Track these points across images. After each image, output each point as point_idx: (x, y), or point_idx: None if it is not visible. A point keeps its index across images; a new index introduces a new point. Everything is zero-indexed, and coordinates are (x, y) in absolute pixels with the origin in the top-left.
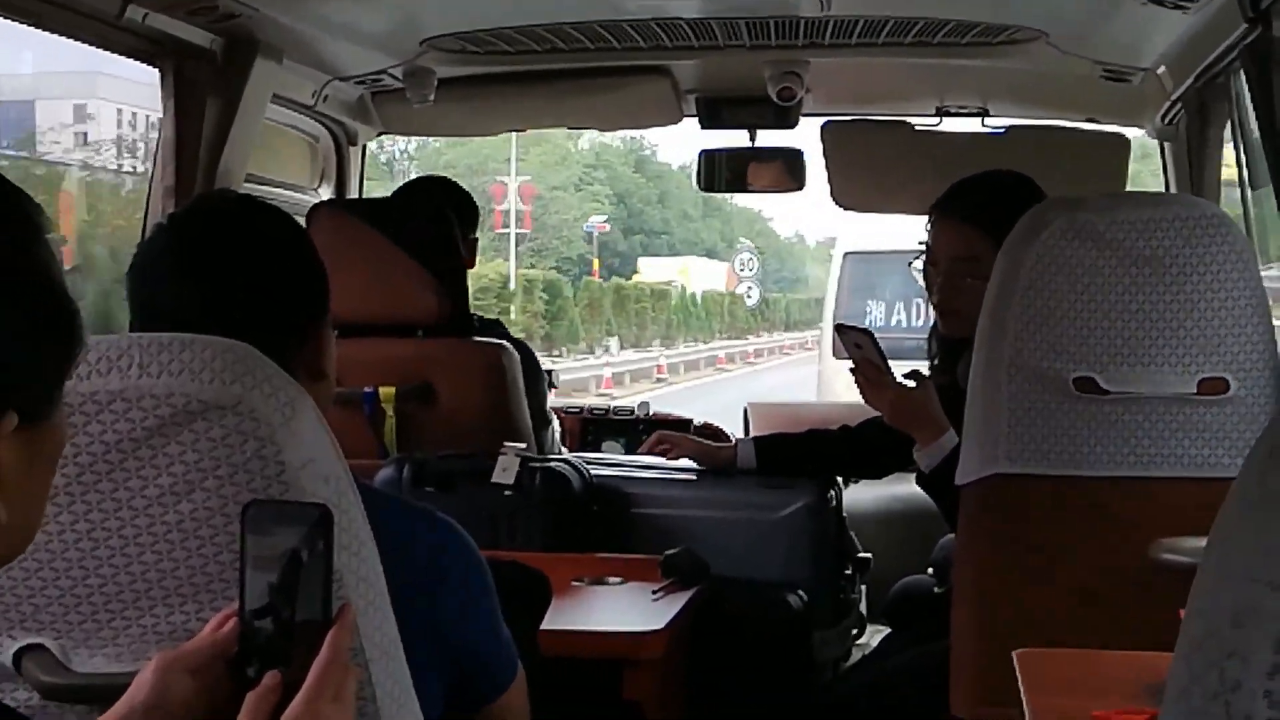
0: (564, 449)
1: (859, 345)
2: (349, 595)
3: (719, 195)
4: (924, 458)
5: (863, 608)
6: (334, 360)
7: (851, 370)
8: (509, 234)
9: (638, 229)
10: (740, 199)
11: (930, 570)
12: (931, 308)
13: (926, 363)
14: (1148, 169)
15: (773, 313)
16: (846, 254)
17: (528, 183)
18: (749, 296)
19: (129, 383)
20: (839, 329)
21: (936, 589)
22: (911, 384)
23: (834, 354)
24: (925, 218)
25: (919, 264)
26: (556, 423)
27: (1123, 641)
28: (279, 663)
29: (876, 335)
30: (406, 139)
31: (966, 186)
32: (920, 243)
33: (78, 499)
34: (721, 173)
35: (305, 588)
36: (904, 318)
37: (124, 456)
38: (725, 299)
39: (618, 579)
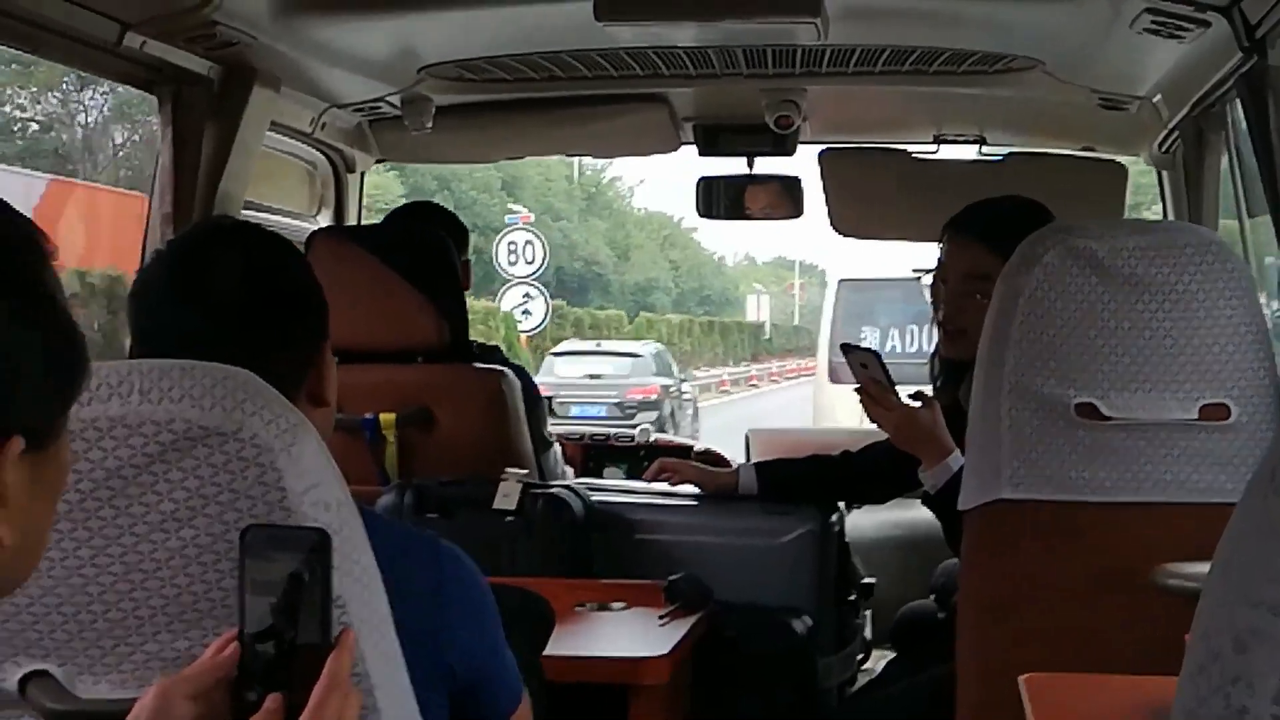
0: (569, 471)
1: (865, 365)
2: (352, 620)
3: (602, 186)
4: (929, 478)
5: (867, 633)
6: (335, 386)
7: (856, 390)
8: None
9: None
10: (646, 197)
11: (932, 595)
12: (935, 329)
13: (926, 386)
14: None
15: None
16: (841, 281)
17: None
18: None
19: (130, 409)
20: (845, 348)
21: (940, 614)
22: (917, 404)
23: (830, 379)
24: (912, 245)
25: (928, 280)
26: (559, 448)
27: (1128, 666)
28: (280, 687)
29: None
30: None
31: (982, 207)
32: (914, 270)
33: (80, 525)
34: (720, 200)
35: (305, 611)
36: (899, 344)
37: (125, 483)
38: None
39: (621, 604)
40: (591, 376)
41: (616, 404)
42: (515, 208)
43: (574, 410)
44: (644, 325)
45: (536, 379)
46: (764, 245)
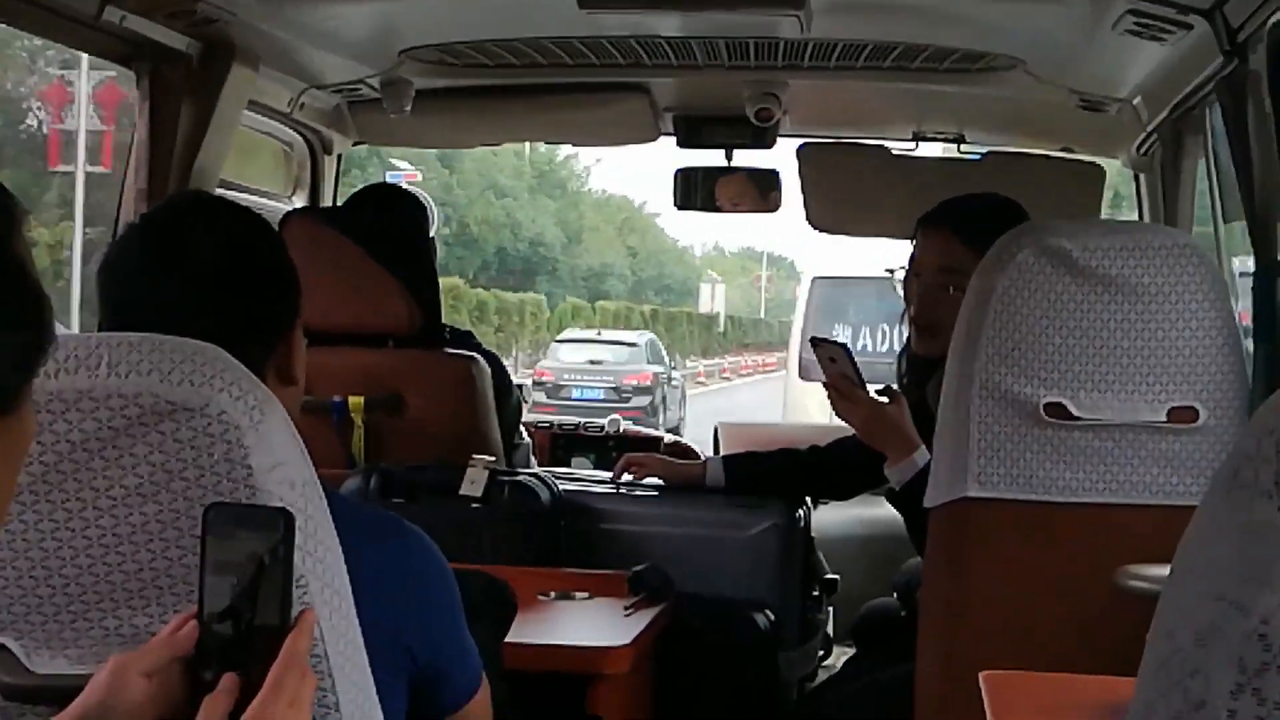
0: (534, 461)
1: (833, 359)
2: (313, 601)
3: (555, 165)
4: (895, 474)
5: (829, 629)
6: (304, 366)
7: (825, 384)
8: (71, 176)
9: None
10: (605, 179)
11: (895, 593)
12: (906, 326)
13: (894, 384)
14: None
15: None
16: (815, 279)
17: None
18: None
19: (97, 381)
20: (814, 342)
21: (902, 612)
22: (885, 400)
23: (800, 376)
24: (883, 241)
25: (900, 274)
26: (529, 443)
27: (1089, 666)
28: (237, 666)
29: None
30: None
31: (957, 202)
32: (888, 270)
33: (42, 498)
34: (698, 192)
35: (265, 592)
36: (870, 342)
37: (90, 456)
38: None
39: (584, 594)
40: (592, 362)
41: (614, 388)
42: (399, 164)
43: (575, 393)
44: (567, 312)
45: (542, 363)
46: (732, 235)
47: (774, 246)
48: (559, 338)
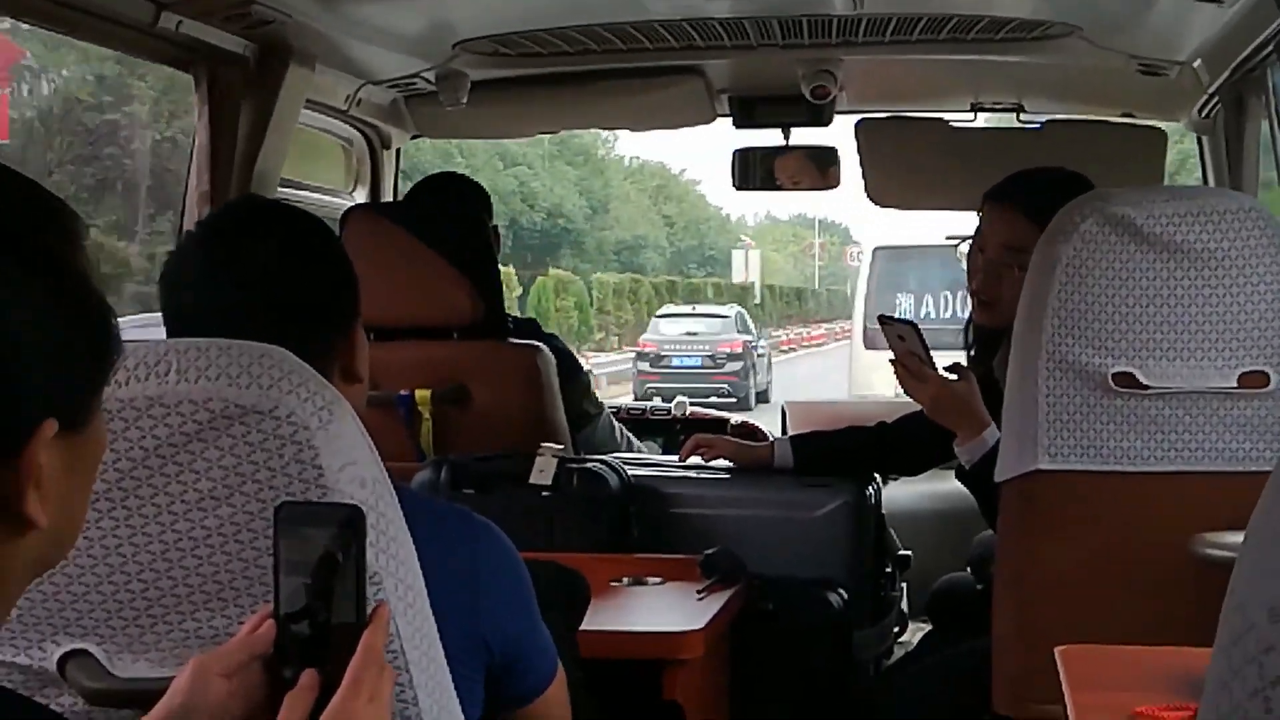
0: (617, 428)
1: (902, 337)
2: (388, 597)
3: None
4: (965, 453)
5: (903, 605)
6: (367, 363)
7: (892, 362)
8: None
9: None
10: (636, 144)
11: (969, 568)
12: (969, 297)
13: (960, 354)
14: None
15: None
16: (876, 249)
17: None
18: None
19: (167, 388)
20: (882, 320)
21: (978, 586)
22: (954, 377)
23: (865, 345)
24: (947, 214)
25: (964, 248)
26: (609, 415)
27: (1165, 637)
28: (315, 663)
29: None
30: None
31: (1024, 177)
32: (949, 238)
33: (118, 504)
34: (756, 171)
35: (340, 591)
36: (933, 310)
37: (163, 461)
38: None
39: (657, 579)
40: (689, 334)
41: (709, 356)
42: None
43: (675, 361)
44: (545, 288)
45: (644, 336)
46: (783, 203)
47: (827, 213)
48: (659, 313)
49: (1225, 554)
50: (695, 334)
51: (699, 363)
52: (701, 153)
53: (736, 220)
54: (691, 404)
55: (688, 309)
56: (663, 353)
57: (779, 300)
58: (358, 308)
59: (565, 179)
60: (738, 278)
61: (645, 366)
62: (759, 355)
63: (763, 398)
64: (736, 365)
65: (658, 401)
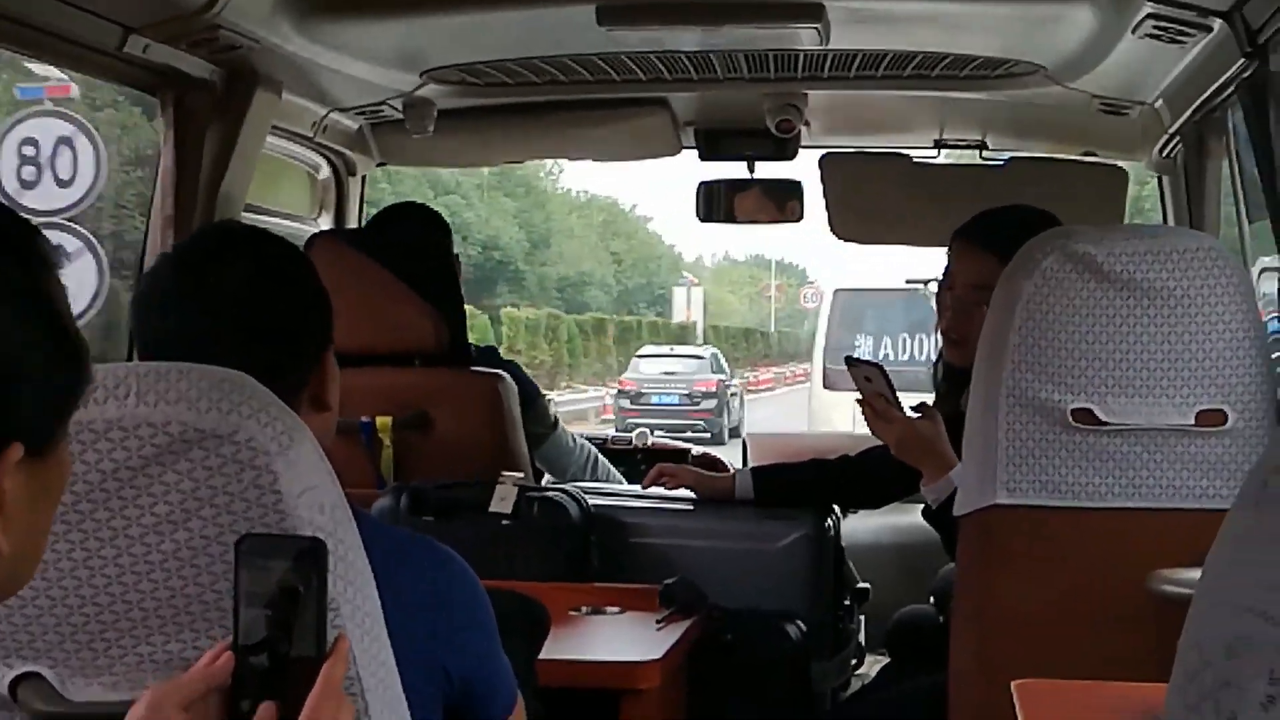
0: (584, 443)
1: (869, 379)
2: (346, 625)
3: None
4: (931, 492)
5: (861, 638)
6: (338, 391)
7: (859, 402)
8: None
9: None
10: (581, 178)
11: (931, 599)
12: (939, 336)
13: (922, 393)
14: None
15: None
16: (837, 291)
17: None
18: None
19: (126, 411)
20: (849, 361)
21: (940, 618)
22: (919, 417)
23: (824, 385)
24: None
25: (933, 287)
26: (564, 429)
27: (1123, 673)
28: (273, 696)
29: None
30: None
31: (993, 216)
32: (909, 281)
33: (74, 527)
34: (720, 204)
35: (300, 621)
36: (891, 352)
37: (120, 485)
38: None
39: (616, 608)
40: (667, 373)
41: (687, 394)
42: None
43: (655, 399)
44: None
45: (625, 375)
46: (741, 243)
47: (784, 254)
48: (639, 353)
49: (1182, 590)
50: (673, 373)
51: (677, 400)
52: (653, 187)
53: (694, 260)
54: (668, 437)
55: (666, 349)
56: (643, 390)
57: (724, 342)
58: (330, 336)
59: (503, 211)
60: (678, 316)
61: (626, 403)
62: (731, 394)
63: (735, 434)
64: (711, 403)
65: (616, 432)
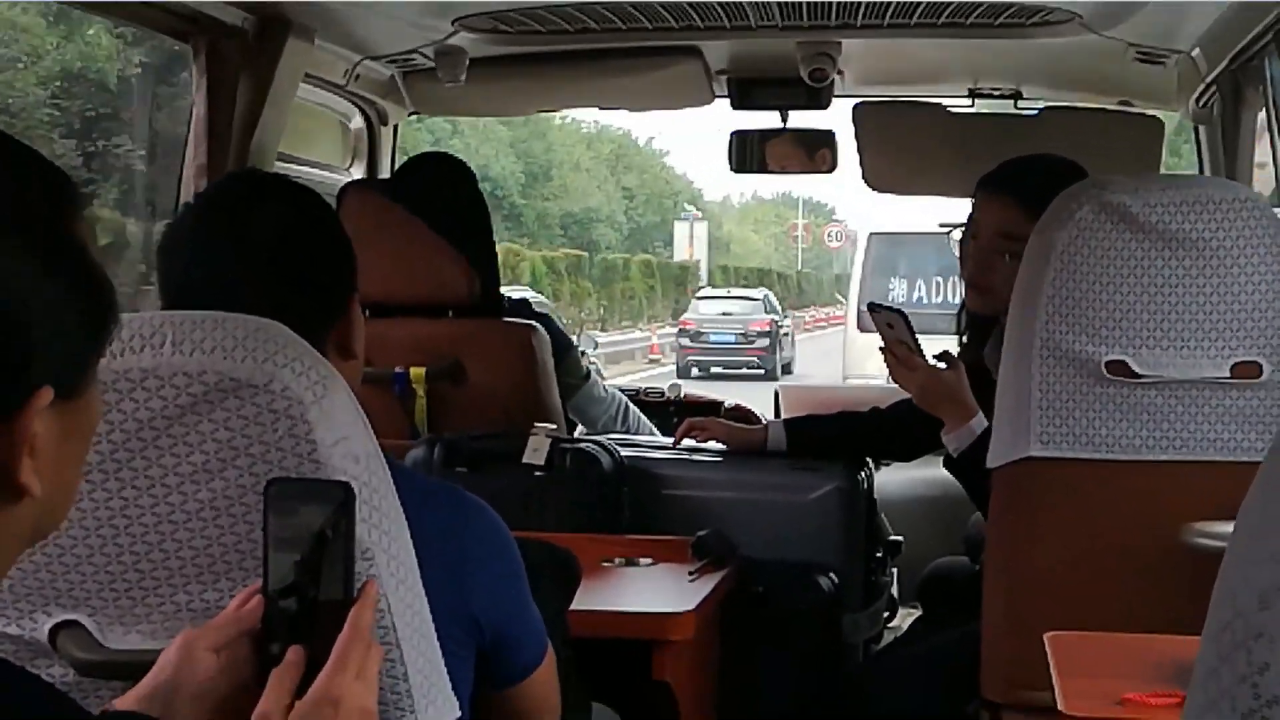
0: (617, 394)
1: (890, 325)
2: (379, 573)
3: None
4: (952, 440)
5: (894, 591)
6: (363, 339)
7: (881, 349)
8: None
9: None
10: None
11: (965, 550)
12: (962, 282)
13: (951, 338)
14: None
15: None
16: (871, 235)
17: None
18: None
19: (162, 360)
20: (871, 307)
21: (975, 567)
22: (942, 365)
23: (859, 327)
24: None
25: (957, 235)
26: (597, 379)
27: (1154, 625)
28: (303, 640)
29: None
30: None
31: (1018, 165)
32: (941, 225)
33: (111, 476)
34: (754, 153)
35: (328, 566)
36: (924, 294)
37: (157, 434)
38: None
39: (648, 560)
40: (724, 314)
41: (742, 333)
42: None
43: (713, 337)
44: None
45: (686, 315)
46: (766, 182)
47: (813, 194)
48: (698, 295)
49: (1216, 544)
50: (730, 314)
51: (733, 339)
52: (671, 118)
53: (722, 199)
54: (726, 373)
55: (723, 292)
56: (702, 329)
57: (735, 283)
58: (355, 283)
59: (495, 139)
60: (680, 254)
61: (686, 341)
62: (784, 334)
63: (787, 370)
64: (764, 342)
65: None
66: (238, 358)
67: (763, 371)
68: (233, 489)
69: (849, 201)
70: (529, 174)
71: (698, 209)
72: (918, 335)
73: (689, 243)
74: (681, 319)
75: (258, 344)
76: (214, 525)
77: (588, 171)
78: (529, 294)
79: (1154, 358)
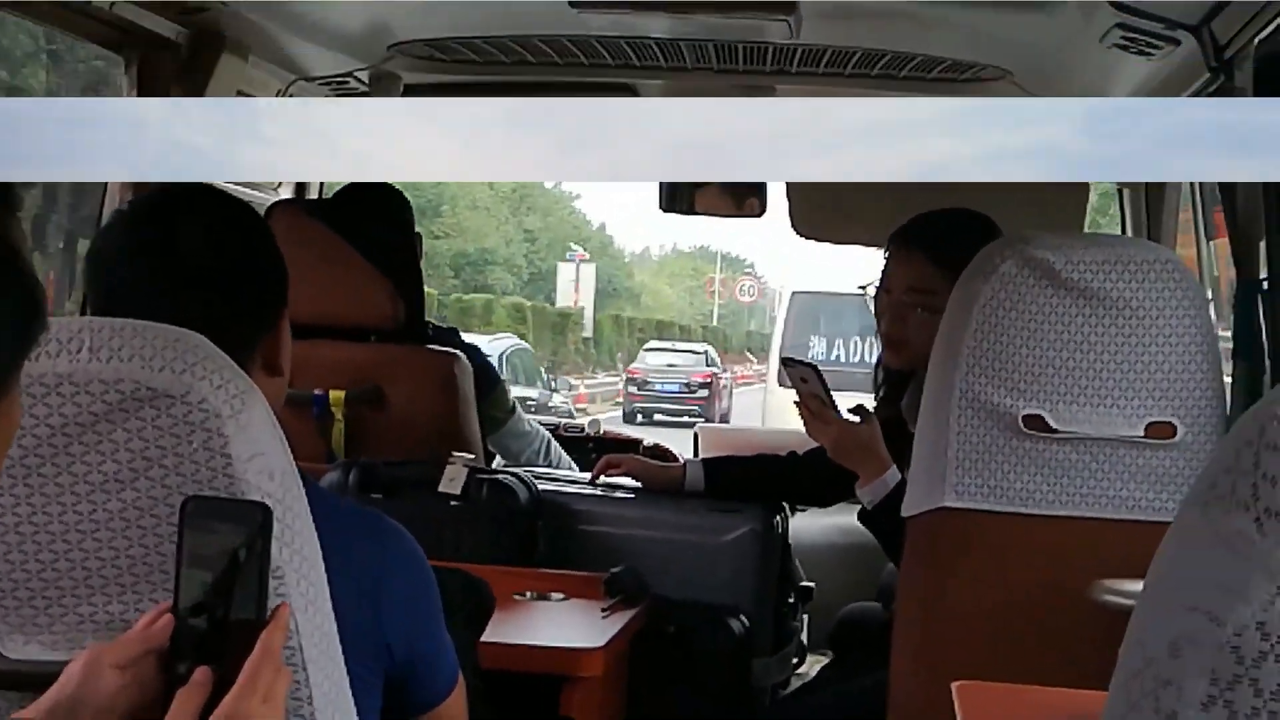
0: (540, 429)
1: (804, 380)
2: (289, 593)
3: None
4: (867, 494)
5: (804, 636)
6: (290, 356)
7: (796, 403)
8: None
9: None
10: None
11: (878, 596)
12: (878, 338)
13: (869, 395)
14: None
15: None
16: (794, 293)
17: None
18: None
19: (78, 366)
20: (785, 362)
21: (888, 613)
22: (856, 419)
23: (779, 384)
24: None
25: (872, 290)
26: (521, 412)
27: (1062, 679)
28: (212, 660)
29: (819, 367)
30: None
31: (930, 219)
32: (860, 287)
33: (20, 482)
34: (684, 195)
35: (241, 586)
36: (843, 353)
37: (69, 441)
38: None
39: (560, 594)
40: (669, 365)
41: (685, 384)
42: None
43: (658, 386)
44: None
45: (634, 365)
46: (687, 233)
47: (729, 247)
48: (646, 347)
49: (1124, 601)
50: (674, 365)
51: (677, 389)
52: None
53: (640, 251)
54: (670, 420)
55: (668, 345)
56: (648, 379)
57: (628, 334)
58: (285, 299)
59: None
60: (564, 300)
61: (634, 390)
62: (723, 385)
63: (724, 418)
64: (705, 392)
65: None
66: (155, 367)
67: (703, 419)
68: (144, 500)
69: (768, 255)
70: (416, 208)
71: (576, 245)
72: (835, 393)
73: (574, 288)
74: (629, 368)
75: (177, 354)
76: (123, 536)
77: (486, 210)
78: (513, 339)
79: (1070, 414)
